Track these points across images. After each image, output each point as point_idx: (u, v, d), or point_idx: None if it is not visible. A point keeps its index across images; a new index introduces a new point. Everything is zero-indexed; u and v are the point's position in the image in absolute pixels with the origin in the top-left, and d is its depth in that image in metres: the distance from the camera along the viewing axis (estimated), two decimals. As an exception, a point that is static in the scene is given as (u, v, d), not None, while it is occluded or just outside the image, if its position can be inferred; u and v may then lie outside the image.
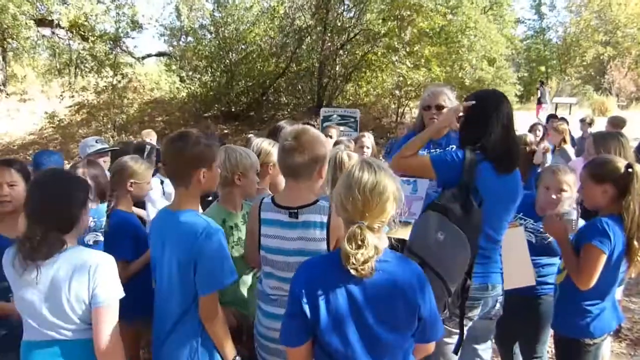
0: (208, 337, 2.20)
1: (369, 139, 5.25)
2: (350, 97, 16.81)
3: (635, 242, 2.54)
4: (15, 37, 13.63)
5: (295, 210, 2.23)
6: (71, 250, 2.02)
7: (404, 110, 15.85)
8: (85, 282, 1.97)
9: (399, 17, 14.10)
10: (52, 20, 14.00)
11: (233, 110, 15.99)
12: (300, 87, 16.74)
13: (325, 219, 2.20)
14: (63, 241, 2.00)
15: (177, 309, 2.21)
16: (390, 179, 1.74)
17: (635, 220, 2.53)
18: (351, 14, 15.65)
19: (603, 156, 2.89)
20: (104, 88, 14.45)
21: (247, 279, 2.70)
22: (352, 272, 1.66)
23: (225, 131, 14.92)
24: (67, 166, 5.43)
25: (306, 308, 1.71)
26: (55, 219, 2.00)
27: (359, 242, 1.65)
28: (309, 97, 16.60)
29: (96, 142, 4.74)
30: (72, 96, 14.63)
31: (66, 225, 2.03)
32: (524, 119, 12.80)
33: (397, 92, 15.17)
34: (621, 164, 2.61)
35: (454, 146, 3.65)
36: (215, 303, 2.17)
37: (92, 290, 1.97)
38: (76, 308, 1.98)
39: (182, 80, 15.77)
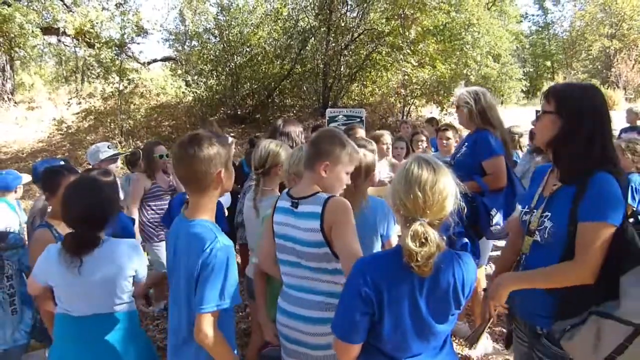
0: None
1: (389, 136, 5.24)
2: (356, 97, 16.82)
3: None
4: (22, 45, 13.74)
5: (296, 201, 2.31)
6: (107, 243, 2.43)
7: (409, 108, 15.86)
8: (127, 264, 2.43)
9: (402, 15, 14.11)
10: (58, 28, 14.12)
11: (239, 113, 16.06)
12: (305, 88, 16.78)
13: (319, 209, 2.21)
14: (99, 238, 2.40)
15: (185, 323, 2.18)
16: (448, 176, 1.78)
17: None
18: (355, 14, 15.66)
19: None
20: (111, 94, 14.55)
21: None
22: (415, 269, 1.68)
23: (232, 134, 14.97)
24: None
25: (376, 307, 1.74)
26: (94, 221, 2.38)
27: (423, 240, 1.67)
28: (314, 98, 16.63)
29: (108, 147, 4.84)
30: (79, 103, 14.75)
31: (102, 225, 2.43)
32: (530, 116, 12.72)
33: (402, 90, 15.18)
34: None
35: (467, 143, 3.75)
36: (209, 325, 2.04)
37: (133, 270, 2.45)
38: (122, 286, 2.43)
39: (187, 84, 15.85)
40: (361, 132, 5.12)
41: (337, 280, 2.23)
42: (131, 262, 2.47)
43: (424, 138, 6.07)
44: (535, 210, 2.16)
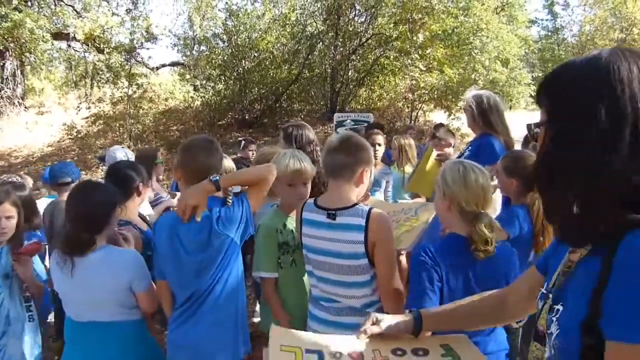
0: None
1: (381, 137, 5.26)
2: (364, 102, 16.79)
3: (541, 238, 2.78)
4: (32, 51, 13.85)
5: (334, 212, 2.25)
6: (105, 250, 2.39)
7: (417, 113, 15.81)
8: (123, 274, 2.37)
9: (410, 20, 14.08)
10: (68, 33, 14.23)
11: (247, 117, 16.07)
12: (313, 93, 16.77)
13: (363, 221, 2.19)
14: (93, 241, 2.35)
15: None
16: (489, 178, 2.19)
17: (541, 216, 2.74)
18: (362, 19, 15.65)
19: (518, 151, 3.21)
20: (120, 99, 14.62)
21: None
22: (481, 253, 2.01)
23: (240, 139, 14.97)
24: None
25: (445, 287, 2.01)
26: (86, 222, 2.35)
27: (491, 227, 2.04)
28: (322, 103, 16.62)
29: (122, 149, 4.89)
30: (89, 107, 14.83)
31: (95, 227, 2.38)
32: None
33: (410, 95, 15.14)
34: (532, 162, 2.80)
35: (470, 147, 3.76)
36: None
37: (132, 280, 2.39)
38: (121, 296, 2.38)
39: (196, 89, 15.90)
40: (380, 139, 5.13)
41: (367, 292, 2.26)
42: (128, 272, 2.41)
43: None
44: (550, 295, 1.23)
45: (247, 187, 2.53)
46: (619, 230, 0.99)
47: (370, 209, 2.22)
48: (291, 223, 2.71)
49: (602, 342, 0.98)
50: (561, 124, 1.10)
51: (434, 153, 4.51)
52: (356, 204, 2.26)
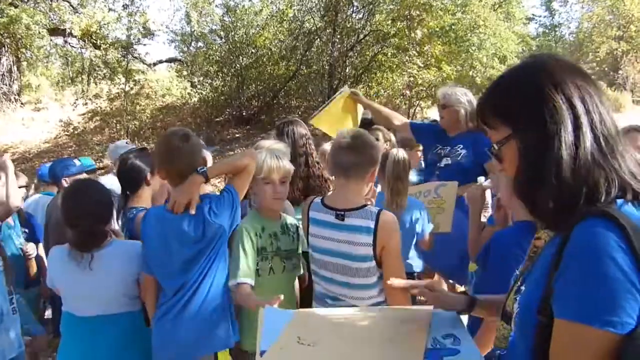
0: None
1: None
2: (361, 99, 16.75)
3: None
4: (28, 46, 13.79)
5: (342, 213, 2.20)
6: (114, 243, 2.50)
7: (414, 110, 15.79)
8: (132, 266, 2.46)
9: (408, 17, 14.06)
10: (65, 29, 14.17)
11: (244, 114, 16.03)
12: (310, 89, 16.72)
13: (372, 224, 2.15)
14: (107, 232, 2.48)
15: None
16: None
17: None
18: (360, 15, 15.62)
19: None
20: (117, 95, 14.59)
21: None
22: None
23: (237, 135, 14.96)
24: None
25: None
26: (101, 215, 2.45)
27: None
28: (319, 100, 16.55)
29: (126, 143, 4.99)
30: (86, 104, 14.78)
31: (108, 219, 2.50)
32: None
33: (408, 92, 15.12)
34: None
35: (461, 146, 3.67)
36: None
37: (137, 273, 2.48)
38: (127, 287, 2.47)
39: (193, 85, 15.84)
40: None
41: (373, 294, 2.23)
42: (138, 263, 2.49)
43: None
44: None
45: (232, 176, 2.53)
46: (574, 219, 1.08)
47: (379, 211, 2.18)
48: (270, 227, 2.55)
49: (553, 320, 1.09)
50: (533, 132, 1.15)
51: (348, 91, 4.27)
52: (365, 205, 2.22)
